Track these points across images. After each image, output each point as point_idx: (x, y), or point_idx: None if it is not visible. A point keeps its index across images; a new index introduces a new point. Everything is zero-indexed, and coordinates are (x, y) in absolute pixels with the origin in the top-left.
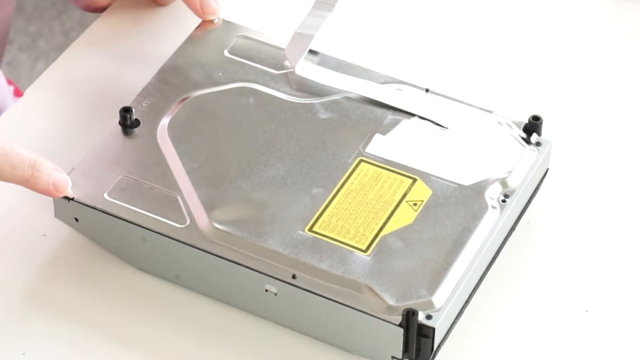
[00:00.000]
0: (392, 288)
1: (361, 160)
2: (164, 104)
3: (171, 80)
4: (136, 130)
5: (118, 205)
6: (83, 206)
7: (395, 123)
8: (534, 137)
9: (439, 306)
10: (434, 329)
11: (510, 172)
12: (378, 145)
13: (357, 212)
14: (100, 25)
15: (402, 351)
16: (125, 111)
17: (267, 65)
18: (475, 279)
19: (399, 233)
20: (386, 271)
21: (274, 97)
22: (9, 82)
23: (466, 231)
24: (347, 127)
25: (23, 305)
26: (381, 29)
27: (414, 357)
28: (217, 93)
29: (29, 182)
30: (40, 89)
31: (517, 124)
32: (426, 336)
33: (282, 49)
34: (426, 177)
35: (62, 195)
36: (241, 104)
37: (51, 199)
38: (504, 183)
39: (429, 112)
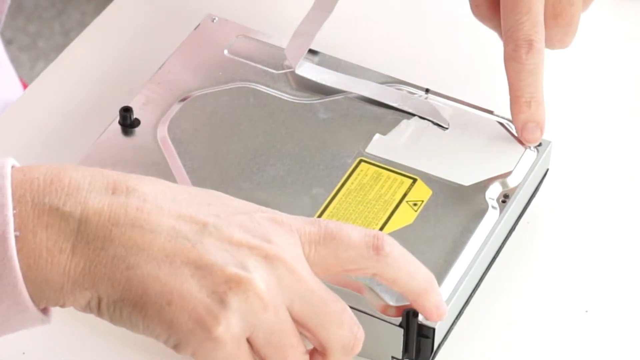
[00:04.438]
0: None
1: (361, 160)
2: (164, 103)
3: (171, 80)
4: (136, 130)
5: None
6: None
7: (395, 123)
8: None
9: None
10: (434, 329)
11: (510, 172)
12: (378, 145)
13: (357, 212)
14: (100, 25)
15: (402, 351)
16: (125, 111)
17: (267, 65)
18: (475, 279)
19: (399, 233)
20: None
21: (274, 97)
22: (24, 85)
23: (466, 231)
24: (347, 127)
25: None
26: (381, 29)
27: (414, 357)
28: (217, 93)
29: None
30: (40, 89)
31: None
32: (426, 336)
33: (282, 49)
34: (426, 177)
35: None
36: (241, 104)
37: None
38: (504, 183)
39: (429, 112)
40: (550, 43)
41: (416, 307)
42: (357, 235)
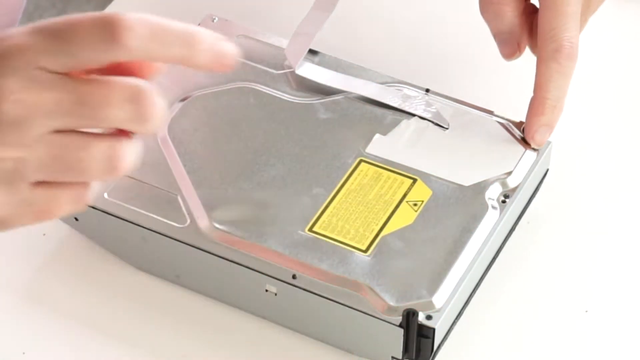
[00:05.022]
0: (392, 288)
1: (361, 160)
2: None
3: (171, 80)
4: None
5: (118, 205)
6: None
7: (395, 123)
8: None
9: (439, 306)
10: (434, 330)
11: (510, 172)
12: (378, 145)
13: (357, 212)
14: None
15: (402, 351)
16: None
17: (267, 65)
18: (475, 279)
19: (399, 233)
20: (386, 271)
21: (274, 97)
22: None
23: (466, 231)
24: (347, 127)
25: (23, 305)
26: (381, 29)
27: (414, 357)
28: (217, 93)
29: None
30: None
31: (517, 124)
32: (426, 337)
33: (282, 49)
34: (426, 177)
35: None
36: (241, 104)
37: None
38: (504, 183)
39: (429, 112)
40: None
41: (192, 65)
42: (87, 26)
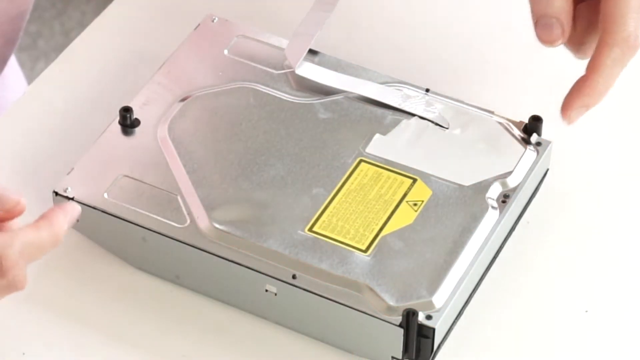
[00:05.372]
0: (392, 288)
1: (361, 160)
2: (164, 103)
3: (171, 80)
4: (136, 130)
5: (118, 205)
6: (83, 206)
7: (395, 123)
8: (534, 137)
9: (439, 306)
10: (434, 330)
11: (510, 172)
12: (378, 145)
13: (357, 212)
14: (100, 25)
15: (402, 351)
16: (125, 111)
17: (267, 65)
18: (475, 279)
19: (399, 233)
20: (386, 271)
21: (274, 97)
22: None
23: (466, 231)
24: (347, 127)
25: (23, 305)
26: (381, 29)
27: (414, 357)
28: (217, 93)
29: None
30: (40, 89)
31: (517, 124)
32: (426, 336)
33: (282, 49)
34: (426, 177)
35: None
36: (241, 104)
37: (51, 198)
38: (504, 183)
39: (429, 112)
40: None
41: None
42: None
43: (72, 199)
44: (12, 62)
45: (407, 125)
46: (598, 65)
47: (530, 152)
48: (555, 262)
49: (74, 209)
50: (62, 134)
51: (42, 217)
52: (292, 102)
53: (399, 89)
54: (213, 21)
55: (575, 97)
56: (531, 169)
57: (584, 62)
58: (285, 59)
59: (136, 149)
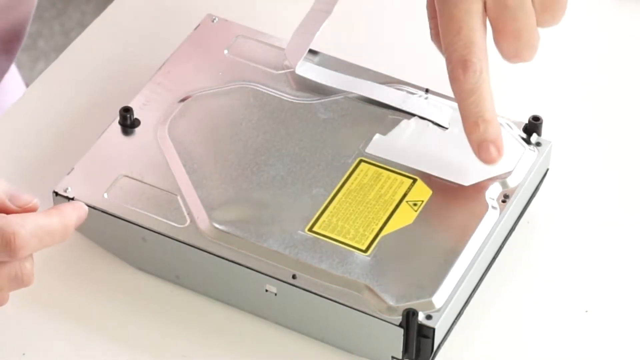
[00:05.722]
0: (392, 288)
1: (361, 160)
2: (164, 103)
3: (171, 80)
4: (136, 130)
5: (118, 205)
6: None
7: (395, 123)
8: (534, 137)
9: (439, 306)
10: (434, 329)
11: (510, 172)
12: (378, 145)
13: (357, 212)
14: (100, 25)
15: (402, 351)
16: (125, 111)
17: (267, 65)
18: (475, 279)
19: (399, 233)
20: (386, 271)
21: (274, 97)
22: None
23: (466, 231)
24: (347, 127)
25: (23, 305)
26: (381, 29)
27: (414, 357)
28: (217, 93)
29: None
30: (40, 89)
31: (517, 124)
32: (426, 336)
33: (282, 49)
34: (426, 177)
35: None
36: (241, 104)
37: (51, 198)
38: (504, 183)
39: (429, 112)
40: (506, 57)
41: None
42: None
43: (72, 199)
44: (12, 68)
45: (407, 125)
46: (457, 103)
47: (530, 152)
48: (555, 262)
49: (82, 208)
50: (62, 134)
51: (52, 208)
52: (292, 102)
53: (399, 89)
54: (213, 21)
55: (469, 140)
56: (531, 169)
57: (585, 62)
58: (285, 59)
59: (136, 149)
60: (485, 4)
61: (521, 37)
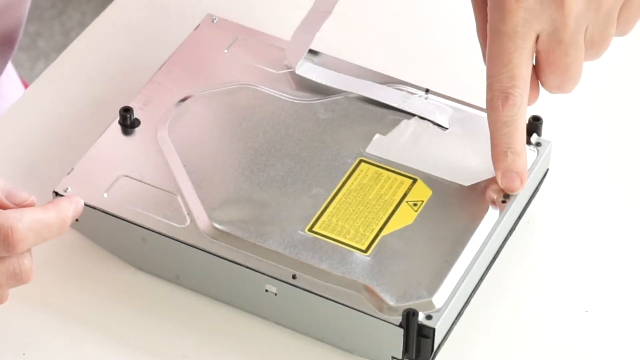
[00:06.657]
0: (392, 288)
1: (361, 160)
2: (164, 103)
3: (171, 80)
4: (136, 130)
5: (118, 205)
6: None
7: (395, 123)
8: (534, 138)
9: (439, 306)
10: (434, 330)
11: None
12: (378, 145)
13: (357, 212)
14: (100, 25)
15: (402, 351)
16: (125, 111)
17: (267, 65)
18: (475, 279)
19: (399, 233)
20: (386, 271)
21: (274, 97)
22: (25, 85)
23: (466, 231)
24: (347, 127)
25: (23, 305)
26: (381, 29)
27: (414, 357)
28: (217, 93)
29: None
30: (40, 89)
31: None
32: (426, 336)
33: (282, 49)
34: (426, 177)
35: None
36: (241, 104)
37: (51, 198)
38: None
39: (429, 112)
40: (548, 88)
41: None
42: None
43: None
44: (9, 69)
45: (407, 125)
46: (489, 129)
47: (530, 152)
48: (555, 262)
49: (78, 201)
50: (62, 134)
51: (49, 202)
52: (292, 102)
53: (399, 89)
54: (213, 21)
55: (495, 167)
56: (531, 169)
57: (586, 63)
58: (285, 59)
59: (136, 149)
60: (537, 37)
61: (569, 72)
